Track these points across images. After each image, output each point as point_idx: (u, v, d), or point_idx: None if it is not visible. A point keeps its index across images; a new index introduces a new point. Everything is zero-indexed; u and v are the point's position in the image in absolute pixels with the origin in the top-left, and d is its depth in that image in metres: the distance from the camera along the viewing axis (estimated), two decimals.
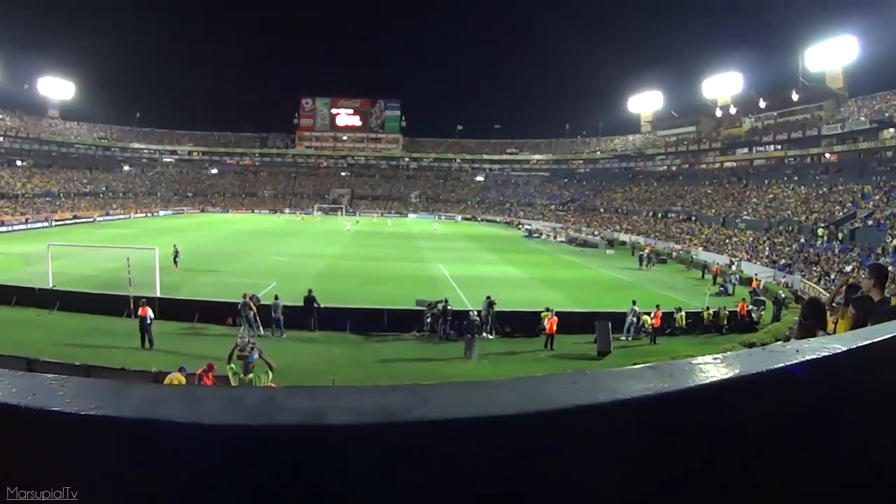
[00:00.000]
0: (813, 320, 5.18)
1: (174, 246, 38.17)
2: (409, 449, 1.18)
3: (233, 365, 13.10)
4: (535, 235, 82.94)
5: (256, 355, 12.89)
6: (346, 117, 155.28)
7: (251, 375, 12.51)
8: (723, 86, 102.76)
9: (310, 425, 1.15)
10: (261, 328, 25.35)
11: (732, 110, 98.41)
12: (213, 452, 1.15)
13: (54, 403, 1.20)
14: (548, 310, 26.09)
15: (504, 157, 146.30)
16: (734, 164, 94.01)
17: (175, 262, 37.20)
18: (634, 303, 28.39)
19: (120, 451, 1.18)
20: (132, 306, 26.05)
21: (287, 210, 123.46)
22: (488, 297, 27.58)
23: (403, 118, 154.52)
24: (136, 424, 1.16)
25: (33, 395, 1.24)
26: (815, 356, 1.57)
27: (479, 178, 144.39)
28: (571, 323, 26.70)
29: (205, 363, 15.37)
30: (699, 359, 1.56)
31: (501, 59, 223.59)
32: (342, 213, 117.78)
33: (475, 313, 25.12)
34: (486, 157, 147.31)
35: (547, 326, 25.19)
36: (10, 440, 1.22)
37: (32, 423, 1.20)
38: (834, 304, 6.92)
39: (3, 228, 75.45)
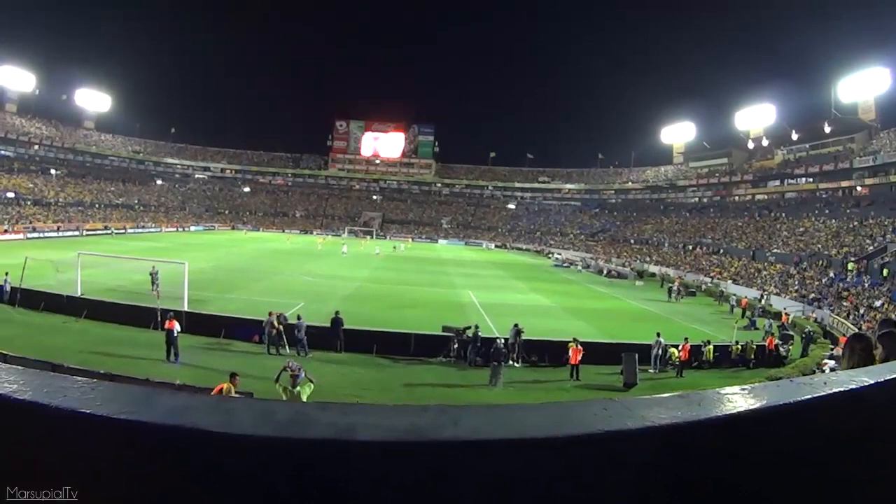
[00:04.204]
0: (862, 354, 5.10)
1: (153, 267, 36.19)
2: (439, 468, 1.20)
3: (281, 382, 14.59)
4: (565, 265, 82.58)
5: (303, 374, 14.87)
6: (379, 141, 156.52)
7: (298, 388, 14.29)
8: (755, 117, 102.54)
9: (341, 440, 1.18)
10: (286, 347, 25.47)
11: (765, 142, 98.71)
12: (242, 463, 1.18)
13: (85, 405, 1.25)
14: (574, 340, 25.61)
15: (536, 185, 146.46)
16: (765, 196, 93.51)
17: (153, 283, 34.43)
18: (659, 334, 28.04)
19: (148, 457, 1.21)
20: (159, 318, 26.19)
21: (317, 231, 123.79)
22: (516, 325, 27.49)
23: (437, 144, 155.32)
24: (165, 431, 1.20)
25: (64, 397, 1.29)
26: (842, 389, 1.62)
27: (511, 206, 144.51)
28: (598, 354, 26.39)
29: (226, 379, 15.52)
30: (727, 389, 1.60)
31: (535, 87, 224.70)
32: (347, 235, 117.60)
33: (502, 341, 24.95)
34: (517, 184, 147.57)
35: (571, 357, 24.94)
36: (39, 438, 1.26)
37: (62, 423, 1.24)
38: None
39: (35, 235, 77.32)
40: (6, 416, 1.26)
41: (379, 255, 78.53)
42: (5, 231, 74.44)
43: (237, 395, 14.90)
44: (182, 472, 1.18)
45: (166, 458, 1.19)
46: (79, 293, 31.25)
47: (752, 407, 1.46)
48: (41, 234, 78.75)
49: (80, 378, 1.41)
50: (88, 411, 1.20)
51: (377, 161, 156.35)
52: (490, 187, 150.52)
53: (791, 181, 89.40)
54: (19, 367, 1.43)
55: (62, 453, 1.23)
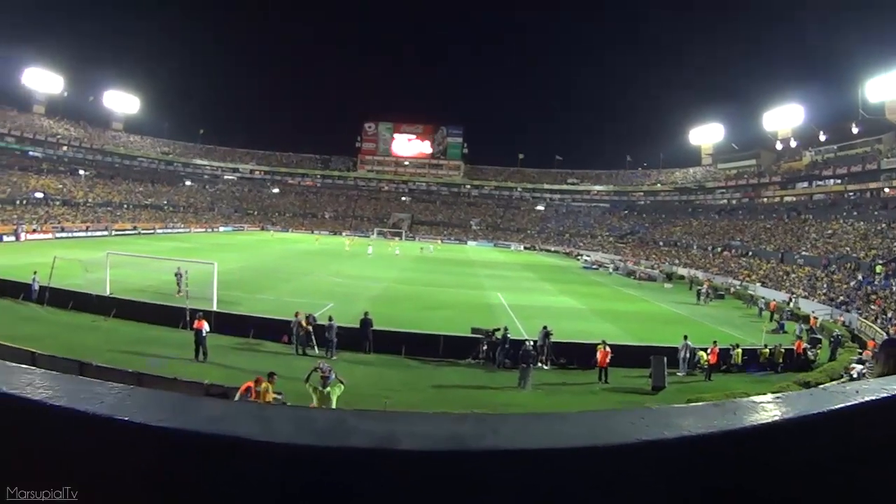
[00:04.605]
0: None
1: (178, 268, 36.51)
2: (478, 477, 1.20)
3: (311, 382, 15.00)
4: (594, 267, 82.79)
5: (333, 375, 15.10)
6: (408, 143, 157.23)
7: (328, 389, 14.62)
8: (784, 118, 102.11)
9: (382, 449, 1.17)
10: (315, 347, 25.69)
11: (793, 143, 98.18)
12: (281, 471, 1.17)
13: (122, 412, 1.24)
14: (603, 342, 25.85)
15: (565, 187, 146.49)
16: (793, 198, 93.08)
17: (178, 284, 35.22)
18: (686, 337, 28.14)
19: (186, 465, 1.22)
20: (188, 318, 26.42)
21: (346, 232, 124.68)
22: (545, 328, 27.42)
23: (465, 145, 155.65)
24: (203, 439, 1.20)
25: (101, 403, 1.28)
26: (874, 397, 1.59)
27: (540, 208, 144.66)
28: (627, 356, 26.42)
29: (254, 377, 16.04)
30: (761, 398, 1.57)
31: (564, 88, 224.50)
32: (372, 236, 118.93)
33: (531, 343, 24.77)
34: (546, 186, 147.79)
35: (598, 359, 25.02)
36: (75, 444, 1.26)
37: (99, 430, 1.23)
38: None
39: (64, 234, 78.61)
40: (40, 421, 1.29)
41: (399, 255, 79.01)
42: (34, 230, 75.99)
43: (276, 395, 15.92)
44: (221, 481, 1.20)
45: (205, 467, 1.21)
46: (107, 292, 31.85)
47: (785, 416, 1.48)
48: (70, 234, 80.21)
49: (117, 384, 1.47)
50: (126, 418, 1.23)
51: (406, 162, 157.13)
52: (519, 189, 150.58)
53: (819, 183, 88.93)
54: (53, 373, 1.49)
55: (97, 459, 1.25)
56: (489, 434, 1.27)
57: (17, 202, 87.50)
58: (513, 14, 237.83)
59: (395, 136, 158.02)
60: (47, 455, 1.27)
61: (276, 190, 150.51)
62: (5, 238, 70.19)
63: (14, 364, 1.52)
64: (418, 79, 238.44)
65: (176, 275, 35.83)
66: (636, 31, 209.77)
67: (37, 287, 31.70)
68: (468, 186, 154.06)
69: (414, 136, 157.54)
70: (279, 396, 16.34)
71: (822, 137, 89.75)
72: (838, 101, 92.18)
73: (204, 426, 1.23)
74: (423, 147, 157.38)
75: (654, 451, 1.27)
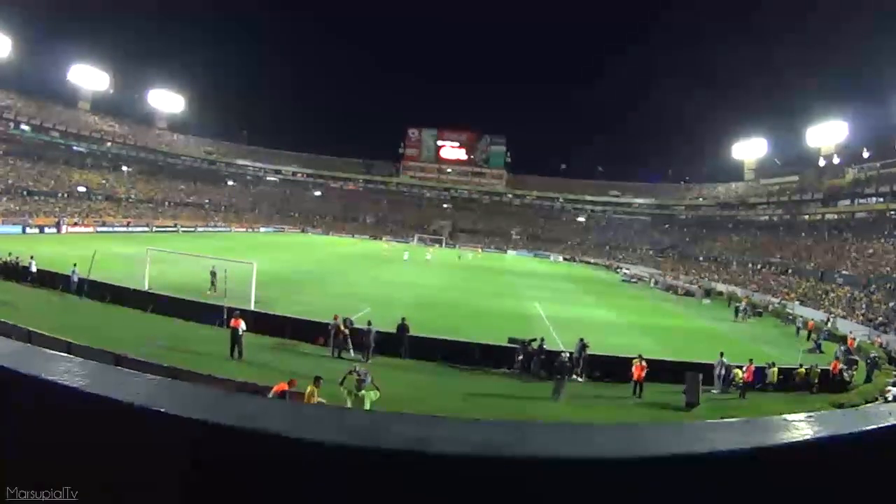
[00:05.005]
0: None
1: (213, 266, 37.13)
2: (510, 483, 1.20)
3: (346, 385, 15.68)
4: (633, 280, 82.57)
5: (369, 379, 15.80)
6: (451, 150, 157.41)
7: (363, 392, 15.24)
8: (827, 134, 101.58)
9: (415, 451, 1.18)
10: (351, 351, 25.71)
11: (836, 160, 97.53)
12: (314, 469, 1.19)
13: (158, 404, 1.27)
14: (639, 356, 25.47)
15: (606, 198, 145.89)
16: (835, 216, 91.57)
17: (212, 283, 36.03)
18: (722, 354, 27.59)
19: (217, 458, 1.24)
20: (225, 316, 26.48)
21: (386, 237, 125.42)
22: (581, 340, 27.31)
23: (508, 154, 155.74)
24: (240, 434, 1.22)
25: (138, 394, 1.32)
26: None
27: (581, 219, 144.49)
28: (662, 371, 26.27)
29: (288, 378, 16.59)
30: (793, 416, 1.56)
31: (607, 99, 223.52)
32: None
33: (567, 354, 24.79)
34: (588, 197, 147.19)
35: (634, 373, 24.75)
36: (111, 435, 1.30)
37: (137, 420, 1.27)
38: None
39: (105, 229, 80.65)
40: (77, 408, 1.33)
41: (430, 260, 79.33)
42: (75, 224, 78.06)
43: (320, 400, 15.78)
44: (256, 475, 1.20)
45: (238, 461, 1.23)
46: (146, 287, 32.44)
47: (816, 435, 1.46)
48: (111, 229, 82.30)
49: (154, 376, 1.52)
50: (163, 409, 1.25)
51: (448, 170, 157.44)
52: (561, 199, 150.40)
53: (861, 201, 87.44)
54: (90, 361, 1.52)
55: (133, 449, 1.29)
56: (522, 441, 1.32)
57: (60, 195, 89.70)
58: (559, 28, 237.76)
59: (439, 142, 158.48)
60: (80, 441, 1.34)
61: (318, 193, 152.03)
62: (47, 230, 72.52)
63: (52, 351, 1.67)
64: (463, 87, 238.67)
65: (211, 273, 36.48)
66: (682, 49, 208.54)
67: (76, 279, 32.48)
68: (510, 195, 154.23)
69: (457, 144, 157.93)
70: (322, 402, 16.00)
71: (866, 154, 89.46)
72: (882, 118, 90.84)
73: (238, 421, 1.26)
74: (466, 155, 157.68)
75: (683, 465, 1.30)
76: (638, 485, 1.25)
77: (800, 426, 1.50)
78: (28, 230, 70.52)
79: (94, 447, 1.31)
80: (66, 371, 1.43)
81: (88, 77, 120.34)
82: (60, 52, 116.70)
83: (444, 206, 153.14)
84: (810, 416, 1.58)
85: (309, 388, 15.53)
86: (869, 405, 23.18)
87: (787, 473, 1.39)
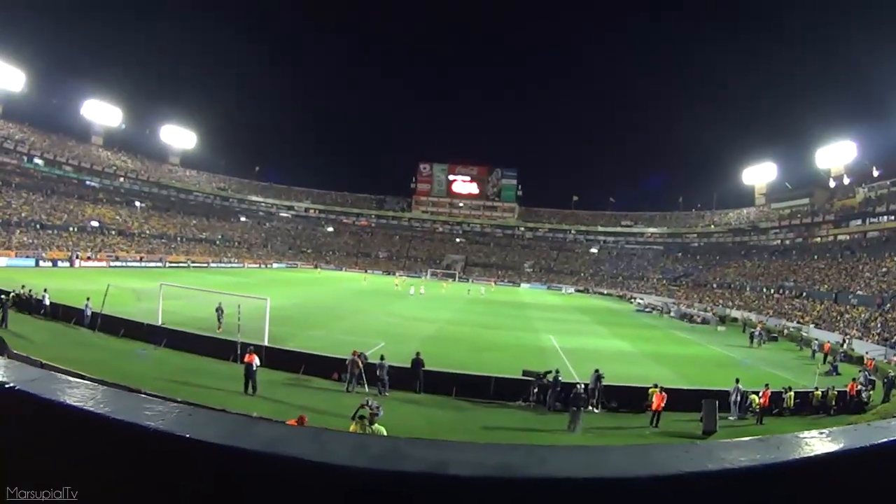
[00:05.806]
0: None
1: (219, 303, 36.53)
2: (526, 503, 1.22)
3: (357, 419, 15.58)
4: (647, 310, 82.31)
5: (381, 413, 15.85)
6: (462, 184, 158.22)
7: (374, 427, 15.17)
8: (836, 155, 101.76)
9: (434, 474, 1.21)
10: (366, 385, 25.46)
11: (846, 180, 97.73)
12: (337, 492, 1.21)
13: (184, 430, 1.31)
14: (656, 386, 25.32)
15: (618, 229, 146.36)
16: (847, 236, 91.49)
17: (219, 320, 35.42)
18: (738, 380, 27.52)
19: (243, 483, 1.25)
20: (239, 352, 26.50)
21: (399, 272, 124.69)
22: (597, 371, 27.24)
23: (520, 187, 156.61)
24: (263, 458, 1.23)
25: (162, 420, 1.35)
26: None
27: (594, 250, 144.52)
28: (678, 400, 25.79)
29: (298, 415, 16.61)
30: (805, 433, 1.58)
31: (617, 130, 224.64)
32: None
33: (582, 386, 24.70)
34: (600, 228, 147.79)
35: (654, 403, 24.43)
36: (135, 457, 1.34)
37: (160, 444, 1.30)
38: None
39: (118, 263, 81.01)
40: (103, 434, 1.37)
41: (423, 294, 78.85)
42: (88, 258, 78.56)
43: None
44: (279, 499, 1.22)
45: (262, 485, 1.23)
46: (159, 322, 32.17)
47: (829, 450, 1.48)
48: (124, 263, 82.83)
49: (180, 403, 1.52)
50: (188, 435, 1.28)
51: (460, 204, 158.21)
52: (573, 231, 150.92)
53: (873, 220, 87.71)
54: (115, 389, 1.53)
55: (157, 472, 1.34)
56: (537, 463, 1.34)
57: (72, 229, 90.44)
58: (567, 58, 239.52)
59: (450, 177, 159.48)
60: (108, 466, 1.39)
61: (330, 229, 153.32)
62: (60, 263, 73.17)
63: (77, 379, 1.68)
64: (473, 121, 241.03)
65: (217, 310, 35.98)
66: (687, 74, 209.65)
67: (89, 313, 32.44)
68: (522, 229, 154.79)
69: (468, 178, 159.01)
70: None
71: (876, 173, 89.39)
72: (891, 136, 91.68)
73: (262, 446, 1.28)
74: (478, 189, 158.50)
75: (696, 483, 1.32)
76: (650, 502, 1.30)
77: (812, 442, 1.54)
78: (41, 263, 71.46)
79: (118, 472, 1.38)
80: (91, 398, 1.50)
81: (101, 112, 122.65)
82: (74, 88, 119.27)
83: (457, 240, 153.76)
84: (822, 433, 1.62)
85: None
86: (883, 422, 23.12)
87: (800, 489, 1.43)
